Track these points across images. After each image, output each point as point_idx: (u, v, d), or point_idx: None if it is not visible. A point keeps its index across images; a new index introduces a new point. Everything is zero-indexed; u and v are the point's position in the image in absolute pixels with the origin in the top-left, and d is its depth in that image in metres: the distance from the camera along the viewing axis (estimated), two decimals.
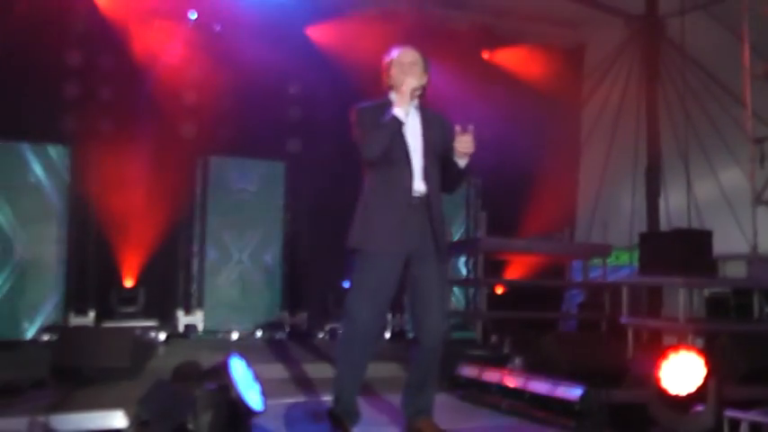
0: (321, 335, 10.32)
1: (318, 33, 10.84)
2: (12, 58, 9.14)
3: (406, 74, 4.35)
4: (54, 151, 9.84)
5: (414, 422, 4.37)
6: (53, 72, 9.66)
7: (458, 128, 4.30)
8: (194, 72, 10.35)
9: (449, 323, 4.62)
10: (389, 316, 10.72)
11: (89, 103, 9.81)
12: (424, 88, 4.36)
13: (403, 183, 4.30)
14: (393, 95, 4.40)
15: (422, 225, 4.32)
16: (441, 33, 11.37)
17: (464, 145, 4.30)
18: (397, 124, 4.23)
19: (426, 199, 4.33)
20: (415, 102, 4.39)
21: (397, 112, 4.23)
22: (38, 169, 9.72)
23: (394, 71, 4.44)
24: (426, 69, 4.46)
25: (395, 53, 4.49)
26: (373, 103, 4.44)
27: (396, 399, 4.71)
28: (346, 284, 10.41)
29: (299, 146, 10.94)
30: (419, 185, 4.32)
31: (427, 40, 10.74)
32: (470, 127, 4.32)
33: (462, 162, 4.39)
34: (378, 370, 6.65)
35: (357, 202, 4.41)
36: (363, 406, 4.52)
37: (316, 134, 10.85)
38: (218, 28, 10.45)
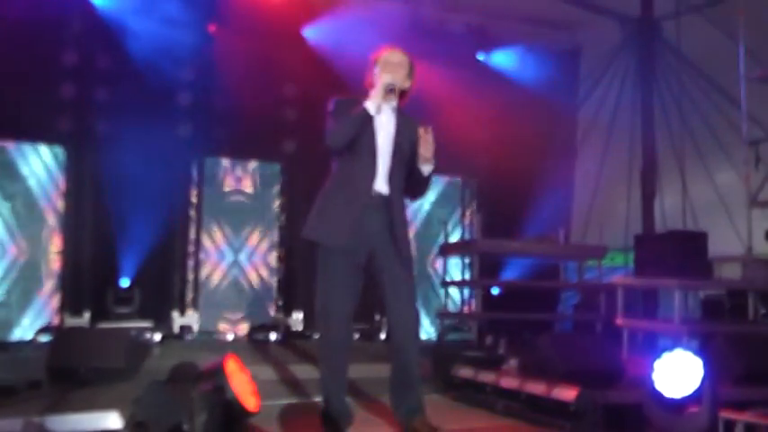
0: (316, 336, 10.29)
1: (314, 34, 10.83)
2: (7, 58, 9.11)
3: (392, 73, 4.37)
4: (49, 151, 9.82)
5: (409, 424, 4.33)
6: (49, 72, 9.63)
7: (420, 130, 4.30)
8: (189, 72, 10.34)
9: (419, 319, 4.47)
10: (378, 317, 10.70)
11: (85, 103, 9.79)
12: (403, 92, 4.39)
13: (364, 180, 4.33)
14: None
15: (380, 225, 4.32)
16: (436, 35, 11.38)
17: (426, 146, 4.29)
18: (365, 116, 4.26)
19: (387, 200, 4.34)
20: (394, 104, 4.43)
21: (368, 104, 4.26)
22: (33, 170, 9.70)
23: (378, 69, 4.47)
24: (411, 74, 4.49)
25: (383, 52, 4.52)
26: (350, 97, 4.48)
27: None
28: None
29: (294, 146, 10.93)
30: (381, 186, 4.34)
31: (423, 42, 10.82)
32: (429, 128, 4.32)
33: (426, 169, 4.38)
34: (371, 371, 6.68)
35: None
36: (357, 407, 4.53)
37: (311, 135, 10.81)
38: (213, 28, 10.42)
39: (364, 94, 4.46)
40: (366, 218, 4.28)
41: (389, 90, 4.32)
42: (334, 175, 4.45)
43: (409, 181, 4.47)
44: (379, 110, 4.30)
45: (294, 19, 10.75)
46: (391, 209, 4.34)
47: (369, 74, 4.52)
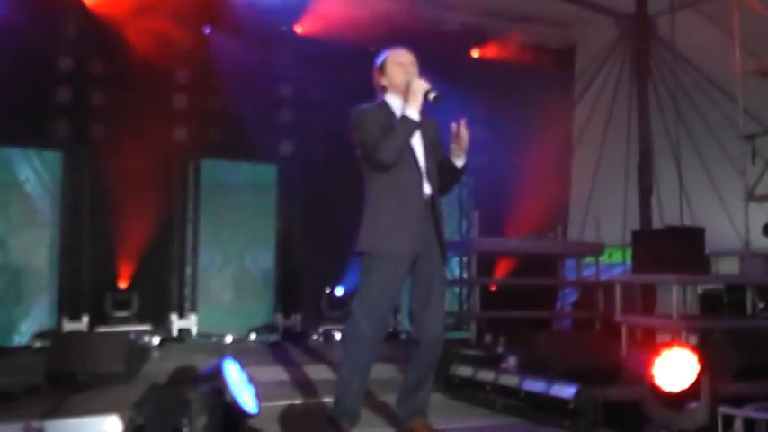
0: (315, 337, 10.30)
1: (310, 35, 10.83)
2: (2, 64, 9.11)
3: (409, 74, 4.32)
4: (46, 156, 9.81)
5: (408, 422, 4.36)
6: (44, 77, 9.63)
7: (454, 126, 4.29)
8: (185, 75, 10.35)
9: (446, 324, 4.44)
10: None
11: (80, 107, 9.80)
12: (437, 96, 4.24)
13: (413, 185, 4.27)
14: (390, 97, 4.39)
15: (428, 226, 4.30)
16: (432, 34, 11.38)
17: (463, 141, 4.29)
18: (415, 126, 4.19)
19: (431, 200, 4.32)
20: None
21: (411, 113, 4.18)
22: (30, 174, 9.70)
23: (394, 71, 4.39)
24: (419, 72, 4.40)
25: (391, 53, 4.44)
26: (371, 104, 4.39)
27: (390, 399, 4.71)
28: (338, 290, 10.44)
29: (291, 148, 10.93)
30: (426, 188, 4.30)
31: (418, 41, 10.81)
32: (463, 121, 4.30)
33: (460, 162, 4.38)
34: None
35: (363, 205, 4.34)
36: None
37: (308, 136, 10.85)
38: (208, 30, 10.42)
39: (372, 98, 4.45)
40: (420, 223, 4.26)
41: (434, 98, 4.21)
42: (380, 186, 4.29)
43: (442, 175, 4.45)
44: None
45: (288, 19, 10.75)
46: (436, 210, 4.35)
47: (378, 76, 4.45)
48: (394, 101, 4.36)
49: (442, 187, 4.49)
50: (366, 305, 4.21)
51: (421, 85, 4.19)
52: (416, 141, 4.31)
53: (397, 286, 4.25)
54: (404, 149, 4.20)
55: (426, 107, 4.28)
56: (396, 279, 4.22)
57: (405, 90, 4.27)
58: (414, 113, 4.18)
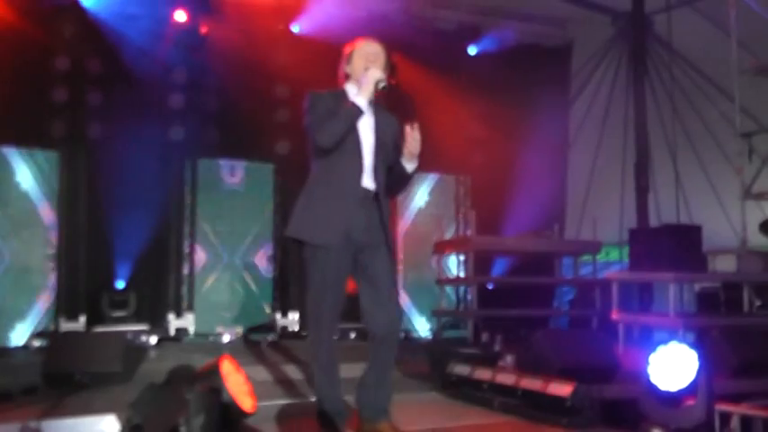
0: (308, 336, 10.27)
1: (306, 34, 10.82)
2: None
3: (370, 63, 4.29)
4: (43, 156, 9.80)
5: (372, 424, 4.27)
6: (41, 77, 9.62)
7: (407, 128, 4.21)
8: (181, 74, 10.34)
9: (402, 314, 4.45)
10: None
11: (77, 107, 9.78)
12: (386, 86, 4.22)
13: (352, 176, 4.21)
14: (349, 86, 4.37)
15: (368, 219, 4.23)
16: (428, 32, 11.38)
17: (414, 144, 4.20)
18: (358, 113, 4.14)
19: (375, 196, 4.26)
20: (371, 97, 4.26)
21: (358, 101, 4.14)
22: (26, 174, 9.68)
23: (356, 61, 4.37)
24: (386, 67, 4.35)
25: (358, 43, 4.42)
26: (327, 91, 4.37)
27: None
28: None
29: (287, 147, 10.92)
30: (368, 182, 4.24)
31: (415, 40, 10.83)
32: (415, 124, 4.22)
33: (411, 166, 4.31)
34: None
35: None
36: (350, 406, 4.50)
37: (304, 135, 10.83)
38: (204, 29, 10.40)
39: (334, 86, 4.44)
40: (354, 215, 4.18)
41: (383, 87, 4.20)
42: (318, 173, 4.28)
43: (390, 177, 4.39)
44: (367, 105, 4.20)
45: (285, 18, 10.75)
46: (379, 205, 4.27)
47: (343, 64, 4.44)
48: (351, 89, 4.34)
49: (389, 188, 4.42)
50: (310, 302, 4.26)
51: (373, 74, 4.17)
52: (366, 134, 4.27)
53: (334, 278, 4.18)
54: (342, 135, 4.14)
55: (397, 108, 4.33)
56: (331, 270, 4.16)
57: (361, 78, 4.25)
58: (361, 101, 4.14)
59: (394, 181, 4.41)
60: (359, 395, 4.36)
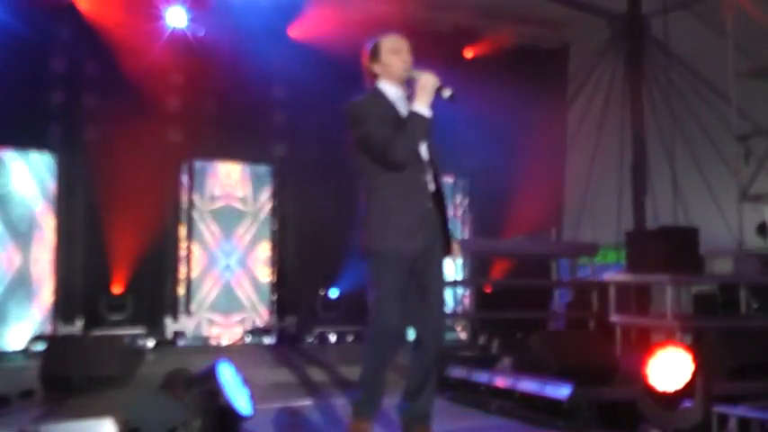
0: (310, 339, 10.30)
1: (303, 36, 10.82)
2: None
3: (406, 62, 4.13)
4: (40, 158, 9.80)
5: (409, 429, 4.17)
6: (38, 79, 9.62)
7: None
8: (179, 77, 10.33)
9: (446, 321, 4.44)
10: None
11: (75, 110, 9.80)
12: (453, 94, 4.03)
13: (420, 181, 4.09)
14: (384, 84, 4.17)
15: (435, 223, 4.12)
16: (424, 34, 11.37)
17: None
18: (428, 124, 4.01)
19: (438, 199, 4.15)
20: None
21: (422, 110, 3.99)
22: (24, 176, 9.68)
23: (391, 59, 4.16)
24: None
25: (384, 39, 4.20)
26: (365, 96, 4.18)
27: (387, 399, 4.67)
28: (333, 292, 10.44)
29: (285, 149, 10.93)
30: (431, 183, 4.12)
31: (411, 41, 10.81)
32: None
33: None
34: (352, 372, 6.72)
35: (367, 203, 4.11)
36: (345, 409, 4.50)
37: (302, 137, 10.83)
38: (202, 32, 10.40)
39: (358, 87, 4.24)
40: (427, 218, 4.08)
41: (450, 96, 4.02)
42: (386, 184, 4.05)
43: None
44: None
45: (282, 21, 10.74)
46: (442, 203, 4.17)
47: (370, 63, 4.21)
48: (388, 89, 4.16)
49: None
50: (388, 306, 4.01)
51: (431, 80, 4.00)
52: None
53: (404, 285, 4.04)
54: (415, 148, 4.02)
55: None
56: (405, 277, 4.03)
57: (407, 82, 4.10)
58: (425, 110, 3.99)
59: None
60: (401, 400, 4.25)
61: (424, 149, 4.11)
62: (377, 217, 4.07)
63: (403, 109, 4.10)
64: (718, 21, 9.90)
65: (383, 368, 4.11)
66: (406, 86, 4.15)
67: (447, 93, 3.99)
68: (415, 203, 4.05)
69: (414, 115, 3.99)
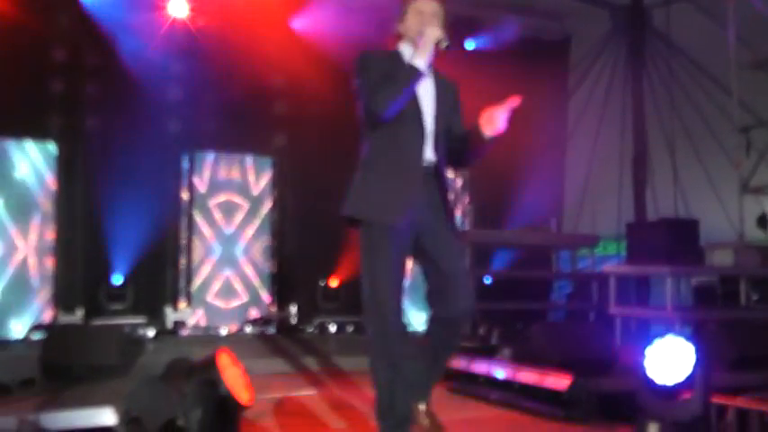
0: (310, 329, 10.31)
1: (303, 25, 10.78)
2: None
3: (426, 24, 3.86)
4: (40, 148, 9.78)
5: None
6: (38, 68, 9.60)
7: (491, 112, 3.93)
8: (179, 67, 10.32)
9: (473, 299, 4.04)
10: None
11: (75, 99, 9.77)
12: (449, 45, 3.82)
13: (413, 147, 3.83)
14: (403, 46, 3.98)
15: (430, 196, 3.86)
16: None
17: (494, 123, 3.95)
18: (417, 75, 3.74)
19: (436, 169, 3.90)
20: (431, 58, 3.84)
21: (417, 62, 3.74)
22: (24, 166, 9.67)
23: (411, 19, 3.96)
24: (445, 26, 3.92)
25: (412, 2, 4.00)
26: (380, 50, 4.02)
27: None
28: (333, 281, 10.45)
29: (285, 139, 10.92)
30: (429, 154, 3.87)
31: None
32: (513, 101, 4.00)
33: (489, 133, 3.96)
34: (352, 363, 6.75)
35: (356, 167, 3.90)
36: (351, 398, 4.49)
37: (303, 128, 10.82)
38: (201, 22, 10.37)
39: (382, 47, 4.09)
40: (417, 190, 3.79)
41: (446, 46, 3.81)
42: (374, 145, 3.85)
43: (460, 148, 4.05)
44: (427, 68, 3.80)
45: (282, 10, 10.70)
46: (441, 179, 3.91)
47: (396, 24, 4.03)
48: (406, 50, 3.95)
49: (459, 158, 4.11)
50: (379, 287, 3.70)
51: (433, 33, 3.77)
52: (427, 100, 3.91)
53: (395, 261, 3.74)
54: (401, 101, 3.73)
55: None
56: (392, 252, 3.72)
57: (418, 39, 3.86)
58: (421, 62, 3.75)
59: (466, 148, 4.07)
60: None
61: (429, 116, 3.88)
62: (359, 179, 3.87)
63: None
64: (720, 12, 9.88)
65: (397, 365, 3.72)
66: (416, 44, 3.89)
67: (444, 44, 3.80)
68: (402, 169, 3.81)
69: (408, 66, 3.76)
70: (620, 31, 11.95)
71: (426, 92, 3.90)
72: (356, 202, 3.81)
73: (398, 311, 3.74)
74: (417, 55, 3.75)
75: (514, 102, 3.99)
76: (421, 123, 3.84)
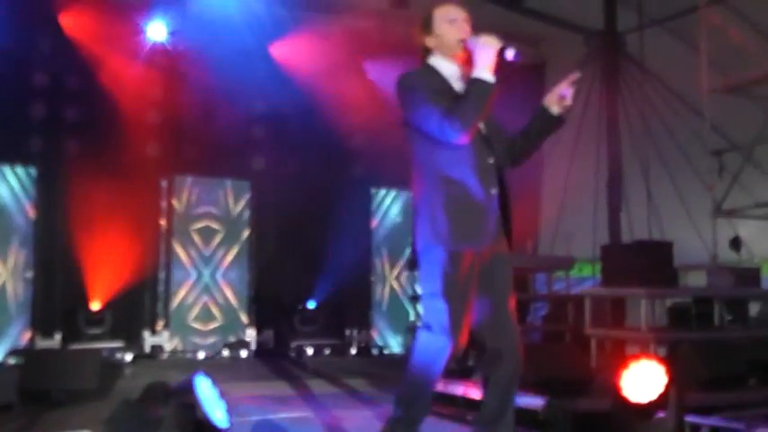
0: (287, 352, 10.31)
1: (281, 51, 10.83)
2: None
3: (463, 31, 3.66)
4: (19, 172, 9.77)
5: None
6: (19, 92, 9.59)
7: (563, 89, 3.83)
8: (158, 92, 10.35)
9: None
10: (355, 332, 10.80)
11: (54, 124, 9.77)
12: (517, 51, 3.64)
13: (486, 163, 3.62)
14: (438, 60, 3.72)
15: (496, 217, 3.64)
16: (403, 48, 11.41)
17: (562, 103, 3.88)
18: (491, 90, 3.51)
19: (501, 187, 3.69)
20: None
21: (485, 75, 3.49)
22: (2, 190, 9.64)
23: (445, 29, 3.68)
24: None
25: (437, 9, 3.73)
26: (416, 70, 3.73)
27: (367, 411, 4.68)
28: (310, 304, 10.47)
29: (263, 164, 10.96)
30: (493, 168, 3.66)
31: (390, 56, 10.85)
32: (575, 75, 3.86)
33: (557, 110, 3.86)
34: (343, 386, 6.74)
35: (424, 191, 3.61)
36: (328, 420, 4.50)
37: (280, 151, 10.85)
38: (181, 47, 10.41)
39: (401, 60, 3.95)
40: (490, 207, 3.58)
41: (515, 54, 3.64)
42: (448, 166, 3.54)
43: (530, 132, 3.95)
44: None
45: (263, 38, 10.74)
46: (505, 196, 3.70)
47: (423, 36, 3.76)
48: (441, 64, 3.71)
49: (526, 147, 3.95)
50: (451, 311, 3.47)
51: (492, 41, 3.56)
52: None
53: (469, 287, 3.52)
54: (480, 120, 3.52)
55: None
56: (468, 279, 3.50)
57: (461, 51, 3.64)
58: (487, 74, 3.50)
59: (536, 132, 3.98)
60: (478, 426, 3.81)
61: (482, 126, 3.65)
62: (431, 207, 3.55)
63: (458, 88, 3.64)
64: (692, 37, 10.02)
65: (431, 384, 3.65)
66: (463, 52, 3.66)
67: (511, 53, 3.61)
68: (480, 189, 3.55)
69: (475, 81, 3.50)
70: (594, 56, 12.06)
71: None
72: (438, 231, 3.51)
73: (458, 338, 3.54)
74: (482, 67, 3.52)
75: (575, 76, 3.91)
76: (483, 136, 3.66)
